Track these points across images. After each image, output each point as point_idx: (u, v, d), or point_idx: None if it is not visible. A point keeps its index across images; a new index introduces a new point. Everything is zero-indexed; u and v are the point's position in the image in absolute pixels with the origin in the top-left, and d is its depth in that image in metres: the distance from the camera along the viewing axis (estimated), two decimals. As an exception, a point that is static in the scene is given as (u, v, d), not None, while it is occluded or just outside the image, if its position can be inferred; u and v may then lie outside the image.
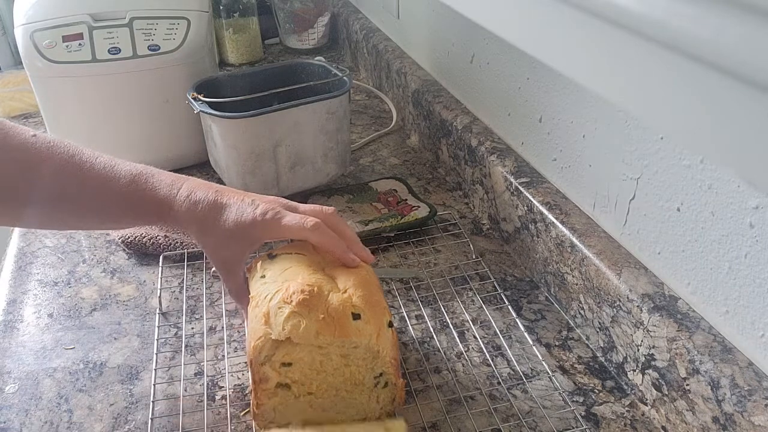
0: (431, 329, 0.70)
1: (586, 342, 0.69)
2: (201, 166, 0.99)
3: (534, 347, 0.67)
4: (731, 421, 0.50)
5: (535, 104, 0.78)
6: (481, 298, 0.74)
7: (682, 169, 0.56)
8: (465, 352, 0.67)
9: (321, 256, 0.62)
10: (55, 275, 0.79)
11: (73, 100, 0.92)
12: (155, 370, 0.65)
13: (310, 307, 0.53)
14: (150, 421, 0.60)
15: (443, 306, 0.73)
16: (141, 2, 0.92)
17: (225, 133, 0.83)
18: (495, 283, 0.76)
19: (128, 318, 0.73)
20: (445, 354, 0.67)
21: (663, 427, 0.58)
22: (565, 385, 0.63)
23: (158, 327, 0.71)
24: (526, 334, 0.69)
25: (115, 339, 0.70)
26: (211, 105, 0.83)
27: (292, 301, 0.53)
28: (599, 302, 0.65)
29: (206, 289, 0.76)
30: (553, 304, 0.74)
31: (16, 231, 0.88)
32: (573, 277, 0.69)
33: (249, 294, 0.59)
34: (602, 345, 0.66)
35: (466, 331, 0.70)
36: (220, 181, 0.92)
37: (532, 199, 0.75)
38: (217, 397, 0.63)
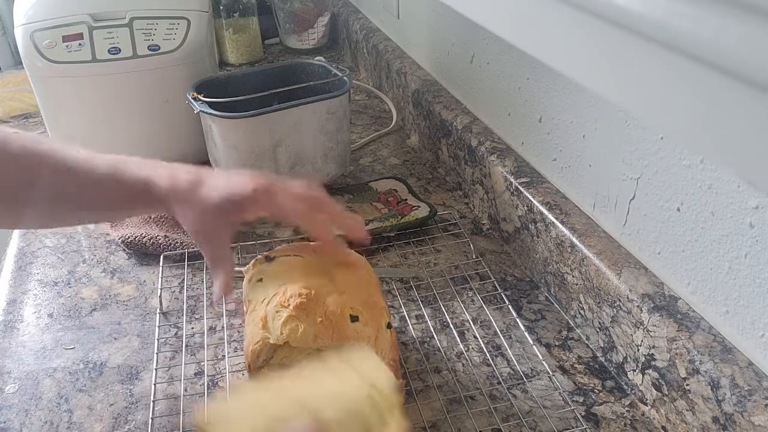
0: (431, 329, 0.70)
1: (586, 342, 0.69)
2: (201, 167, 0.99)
3: (534, 347, 0.67)
4: (731, 421, 0.50)
5: (535, 104, 0.78)
6: (481, 297, 0.74)
7: (682, 169, 0.56)
8: (465, 351, 0.67)
9: (319, 257, 0.62)
10: (55, 275, 0.79)
11: (73, 100, 0.92)
12: (155, 369, 0.65)
13: (308, 311, 0.53)
14: (150, 421, 0.60)
15: (443, 306, 0.73)
16: (141, 2, 0.92)
17: (225, 133, 0.83)
18: (495, 282, 0.76)
19: (128, 318, 0.73)
20: (445, 354, 0.67)
21: (663, 427, 0.58)
22: (565, 385, 0.63)
23: (158, 327, 0.71)
24: (526, 334, 0.69)
25: (115, 339, 0.70)
26: (211, 105, 0.83)
27: (289, 304, 0.53)
28: (599, 302, 0.65)
29: (206, 289, 0.76)
30: (553, 304, 0.74)
31: (16, 231, 0.88)
32: (573, 277, 0.69)
33: (231, 263, 0.57)
34: (602, 345, 0.66)
35: (466, 331, 0.70)
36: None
37: (532, 199, 0.75)
38: (217, 397, 0.63)
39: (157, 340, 0.69)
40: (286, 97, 0.87)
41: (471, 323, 0.71)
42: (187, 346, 0.68)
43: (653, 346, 0.58)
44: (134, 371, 0.66)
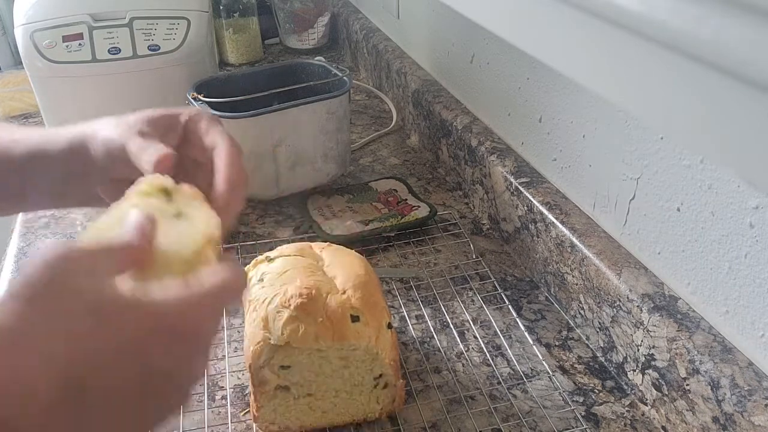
0: (431, 329, 0.70)
1: (586, 342, 0.69)
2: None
3: (534, 347, 0.67)
4: (731, 421, 0.50)
5: (535, 104, 0.78)
6: (481, 297, 0.74)
7: (682, 169, 0.56)
8: (465, 351, 0.67)
9: (319, 257, 0.62)
10: (55, 275, 0.79)
11: (73, 100, 0.92)
12: (155, 370, 0.65)
13: (309, 311, 0.53)
14: (150, 421, 0.60)
15: (443, 306, 0.73)
16: (141, 2, 0.92)
17: (225, 133, 0.83)
18: (495, 282, 0.76)
19: (128, 318, 0.73)
20: (445, 354, 0.67)
21: (663, 427, 0.58)
22: (565, 385, 0.63)
23: (158, 327, 0.71)
24: (526, 334, 0.69)
25: (115, 339, 0.70)
26: (211, 105, 0.83)
27: (290, 305, 0.53)
28: (599, 302, 0.65)
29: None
30: (553, 304, 0.74)
31: (16, 231, 0.88)
32: (573, 277, 0.69)
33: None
34: (602, 345, 0.66)
35: (466, 331, 0.70)
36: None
37: (532, 199, 0.75)
38: (217, 397, 0.63)
39: (157, 340, 0.69)
40: (286, 97, 0.87)
41: (471, 323, 0.71)
42: (187, 346, 0.68)
43: (653, 346, 0.58)
44: (134, 371, 0.66)
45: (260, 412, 0.57)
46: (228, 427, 0.59)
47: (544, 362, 0.65)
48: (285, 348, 0.53)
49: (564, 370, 0.65)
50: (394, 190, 0.92)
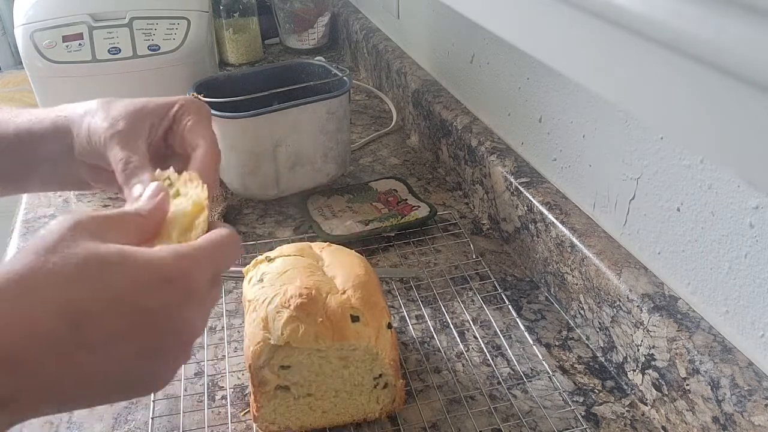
0: (431, 329, 0.70)
1: (586, 342, 0.69)
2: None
3: (534, 347, 0.67)
4: (731, 421, 0.50)
5: (535, 104, 0.78)
6: (481, 297, 0.74)
7: (682, 169, 0.56)
8: (465, 351, 0.67)
9: (319, 257, 0.62)
10: (55, 275, 0.79)
11: (73, 100, 0.91)
12: (155, 370, 0.65)
13: (309, 311, 0.53)
14: (150, 420, 0.60)
15: (443, 306, 0.73)
16: (141, 2, 0.92)
17: (225, 133, 0.83)
18: (495, 282, 0.76)
19: (128, 318, 0.73)
20: (445, 354, 0.67)
21: (663, 427, 0.58)
22: (565, 385, 0.63)
23: (158, 327, 0.71)
24: (526, 334, 0.69)
25: (115, 339, 0.70)
26: (211, 105, 0.83)
27: (290, 305, 0.53)
28: (599, 302, 0.65)
29: (206, 289, 0.76)
30: (553, 304, 0.74)
31: (16, 231, 0.88)
32: (573, 277, 0.69)
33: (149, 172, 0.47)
34: (602, 345, 0.66)
35: (466, 331, 0.70)
36: (219, 181, 0.92)
37: (532, 199, 0.75)
38: (217, 397, 0.63)
39: (157, 340, 0.69)
40: (286, 97, 0.87)
41: (471, 323, 0.71)
42: (187, 346, 0.68)
43: (653, 346, 0.58)
44: (134, 371, 0.66)
45: (260, 412, 0.57)
46: (228, 427, 0.59)
47: (544, 362, 0.65)
48: (285, 348, 0.53)
49: (564, 370, 0.65)
50: (394, 190, 0.92)
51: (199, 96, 0.85)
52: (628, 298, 0.60)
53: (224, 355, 0.67)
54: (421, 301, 0.74)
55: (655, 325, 0.57)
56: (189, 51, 0.93)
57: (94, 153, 0.48)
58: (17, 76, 1.25)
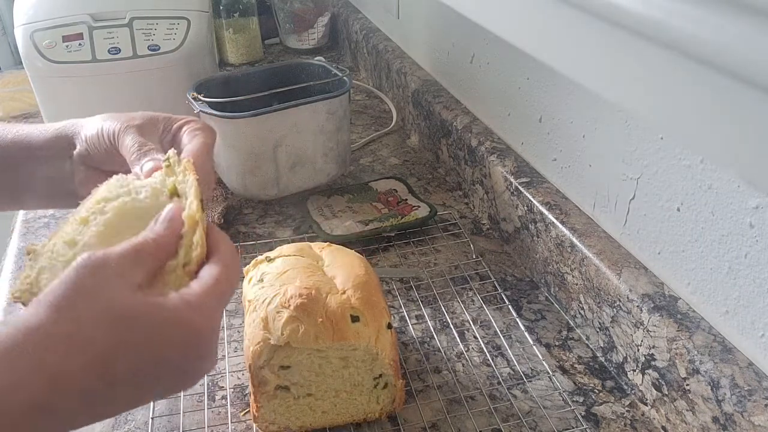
0: (431, 329, 0.70)
1: (586, 342, 0.69)
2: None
3: (534, 347, 0.67)
4: (731, 421, 0.50)
5: (535, 104, 0.78)
6: (481, 298, 0.74)
7: (682, 169, 0.56)
8: (465, 352, 0.67)
9: (319, 257, 0.62)
10: (55, 275, 0.79)
11: (73, 100, 0.92)
12: (155, 370, 0.65)
13: (309, 311, 0.53)
14: (150, 420, 0.60)
15: (443, 306, 0.73)
16: (141, 2, 0.92)
17: (225, 133, 0.83)
18: (495, 282, 0.76)
19: (128, 318, 0.73)
20: (445, 354, 0.67)
21: (663, 427, 0.58)
22: (565, 385, 0.63)
23: (158, 327, 0.71)
24: (526, 334, 0.69)
25: (115, 339, 0.70)
26: (211, 105, 0.83)
27: (290, 305, 0.53)
28: (599, 302, 0.65)
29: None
30: (553, 304, 0.74)
31: (16, 231, 0.88)
32: (573, 277, 0.69)
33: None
34: (602, 345, 0.66)
35: (466, 331, 0.70)
36: (219, 182, 0.92)
37: (532, 199, 0.75)
38: (217, 397, 0.63)
39: (157, 340, 0.69)
40: (286, 97, 0.87)
41: (471, 323, 0.71)
42: (187, 346, 0.68)
43: (653, 346, 0.58)
44: (134, 371, 0.66)
45: (260, 412, 0.57)
46: (228, 427, 0.59)
47: (544, 362, 0.65)
48: (285, 348, 0.53)
49: (564, 370, 0.65)
50: (394, 190, 0.92)
51: (199, 96, 0.85)
52: (628, 298, 0.60)
53: (224, 355, 0.67)
54: (421, 301, 0.74)
55: (655, 325, 0.57)
56: (189, 51, 0.93)
57: (101, 152, 0.50)
58: (17, 76, 1.25)
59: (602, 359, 0.66)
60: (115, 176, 0.45)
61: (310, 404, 0.57)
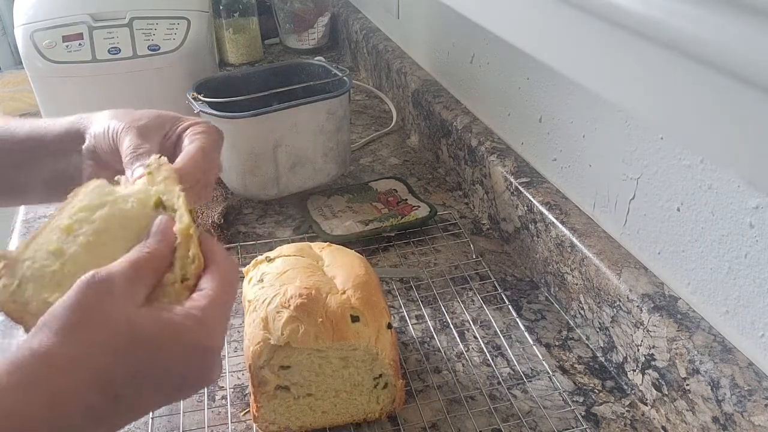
0: (431, 329, 0.70)
1: (586, 342, 0.69)
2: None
3: (534, 347, 0.67)
4: (731, 421, 0.50)
5: (535, 104, 0.78)
6: (481, 298, 0.74)
7: (682, 169, 0.56)
8: (465, 352, 0.67)
9: (319, 257, 0.62)
10: (55, 275, 0.79)
11: (73, 100, 0.92)
12: (155, 370, 0.65)
13: (309, 311, 0.53)
14: (150, 420, 0.60)
15: (443, 306, 0.73)
16: (141, 2, 0.92)
17: (225, 133, 0.83)
18: (495, 283, 0.76)
19: (128, 318, 0.73)
20: (445, 354, 0.67)
21: (663, 427, 0.58)
22: (565, 385, 0.63)
23: (158, 327, 0.71)
24: (526, 334, 0.69)
25: (115, 339, 0.70)
26: (211, 105, 0.83)
27: (290, 305, 0.53)
28: (599, 302, 0.65)
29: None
30: (553, 304, 0.74)
31: (16, 231, 0.88)
32: (573, 277, 0.69)
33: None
34: (602, 345, 0.66)
35: (466, 331, 0.70)
36: (219, 182, 0.92)
37: (532, 199, 0.75)
38: (217, 397, 0.63)
39: (157, 340, 0.69)
40: (286, 97, 0.87)
41: (471, 323, 0.71)
42: (187, 346, 0.68)
43: (653, 346, 0.58)
44: (134, 371, 0.66)
45: (260, 412, 0.57)
46: (228, 427, 0.59)
47: (544, 362, 0.65)
48: (285, 348, 0.53)
49: (564, 370, 0.65)
50: (394, 190, 0.92)
51: (199, 96, 0.85)
52: (628, 298, 0.60)
53: (224, 355, 0.67)
54: (421, 301, 0.74)
55: (655, 325, 0.57)
56: (189, 51, 0.93)
57: (107, 150, 0.50)
58: (17, 76, 1.25)
59: (602, 359, 0.66)
60: (93, 181, 0.45)
61: (310, 404, 0.57)
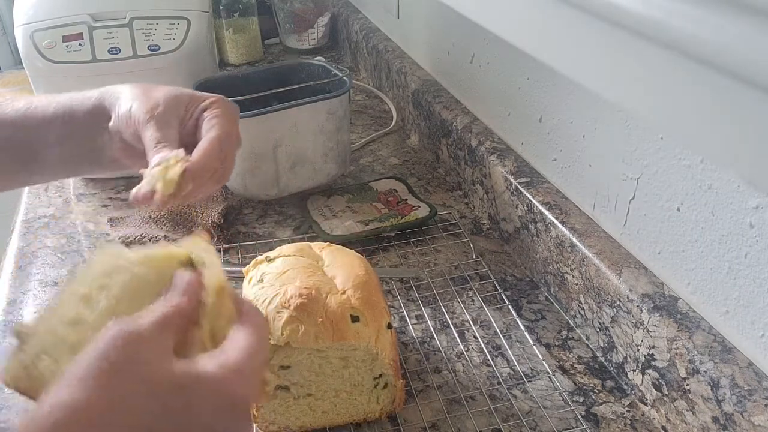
0: (431, 329, 0.70)
1: (586, 342, 0.69)
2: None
3: (534, 347, 0.67)
4: (731, 421, 0.50)
5: (535, 104, 0.78)
6: (481, 298, 0.74)
7: (682, 169, 0.56)
8: (465, 352, 0.67)
9: (319, 257, 0.62)
10: (55, 275, 0.79)
11: (73, 100, 0.92)
12: (155, 370, 0.65)
13: (309, 311, 0.53)
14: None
15: (443, 306, 0.73)
16: (141, 2, 0.92)
17: (225, 133, 0.83)
18: (495, 282, 0.76)
19: (128, 318, 0.73)
20: (445, 354, 0.67)
21: (663, 427, 0.58)
22: (565, 385, 0.63)
23: (158, 327, 0.71)
24: (526, 334, 0.69)
25: (115, 339, 0.70)
26: (211, 105, 0.83)
27: (290, 305, 0.53)
28: (599, 302, 0.65)
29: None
30: (553, 304, 0.74)
31: (16, 231, 0.88)
32: (573, 277, 0.69)
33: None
34: (602, 345, 0.66)
35: (466, 331, 0.70)
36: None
37: (532, 199, 0.75)
38: (217, 397, 0.63)
39: (157, 340, 0.69)
40: (286, 97, 0.87)
41: (471, 323, 0.71)
42: (187, 346, 0.68)
43: (653, 346, 0.58)
44: (134, 371, 0.66)
45: (260, 412, 0.57)
46: (228, 427, 0.59)
47: (544, 362, 0.65)
48: (285, 348, 0.53)
49: (564, 370, 0.65)
50: (394, 190, 0.92)
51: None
52: (628, 298, 0.60)
53: (224, 355, 0.67)
54: (421, 301, 0.74)
55: (655, 325, 0.57)
56: (189, 51, 0.93)
57: (131, 132, 0.52)
58: (17, 76, 1.25)
59: (602, 359, 0.66)
60: (108, 246, 0.44)
61: (310, 404, 0.57)
